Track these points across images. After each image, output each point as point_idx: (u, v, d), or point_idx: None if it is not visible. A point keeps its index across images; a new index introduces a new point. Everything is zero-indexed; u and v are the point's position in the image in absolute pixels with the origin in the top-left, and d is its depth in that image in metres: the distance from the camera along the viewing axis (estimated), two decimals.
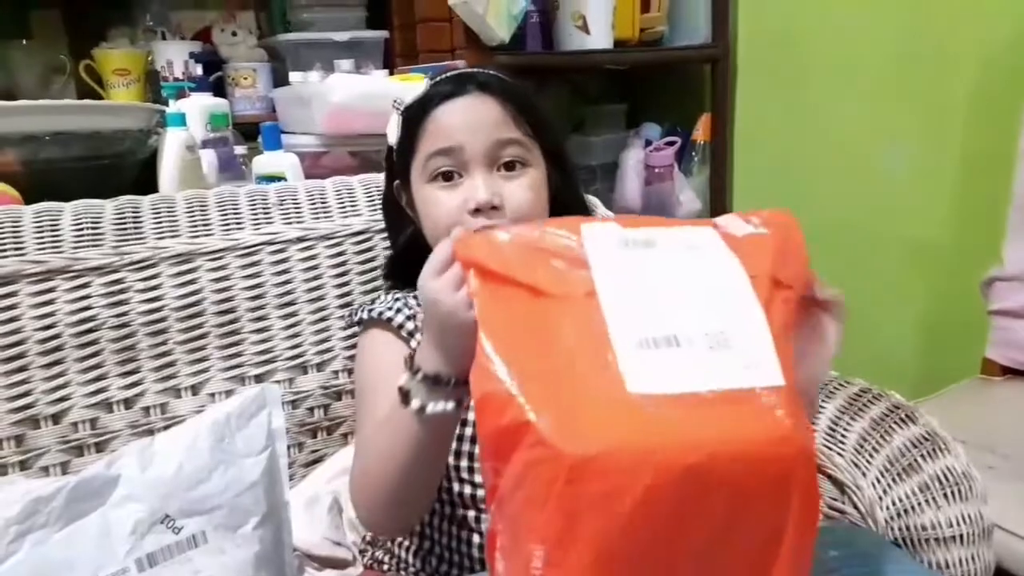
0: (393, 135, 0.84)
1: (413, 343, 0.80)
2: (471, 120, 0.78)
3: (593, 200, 1.12)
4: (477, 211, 0.76)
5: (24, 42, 1.79)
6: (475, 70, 0.83)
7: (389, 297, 0.86)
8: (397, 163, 0.85)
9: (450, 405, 0.62)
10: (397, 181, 0.87)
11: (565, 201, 0.84)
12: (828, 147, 1.77)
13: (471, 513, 0.79)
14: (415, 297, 0.85)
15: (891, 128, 1.66)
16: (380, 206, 1.06)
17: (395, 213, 0.89)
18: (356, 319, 0.86)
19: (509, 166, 0.78)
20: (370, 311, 0.84)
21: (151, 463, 0.71)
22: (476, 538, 0.79)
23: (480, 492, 0.78)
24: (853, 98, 1.71)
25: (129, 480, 0.70)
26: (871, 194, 1.71)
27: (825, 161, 1.78)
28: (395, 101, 0.84)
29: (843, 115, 1.73)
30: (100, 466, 0.71)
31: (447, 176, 0.78)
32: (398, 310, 0.83)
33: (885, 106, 1.66)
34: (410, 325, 0.81)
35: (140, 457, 0.71)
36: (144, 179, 1.25)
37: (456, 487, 0.79)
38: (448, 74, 0.83)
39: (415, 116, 0.80)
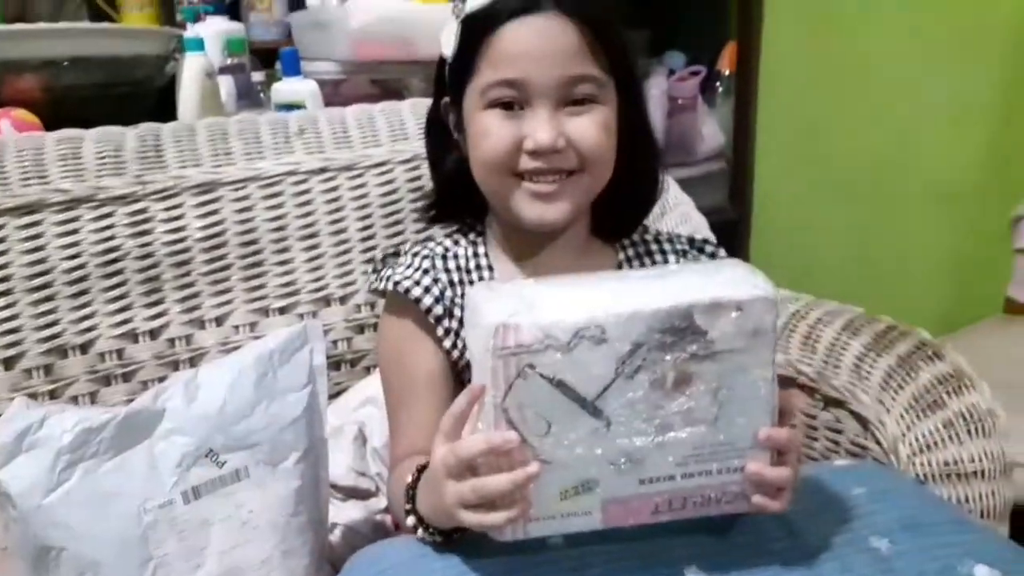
0: (448, 46, 0.73)
1: (439, 331, 0.73)
2: (542, 49, 0.68)
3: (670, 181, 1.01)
4: (535, 152, 0.69)
5: None
6: None
7: (417, 258, 0.76)
8: (450, 79, 0.75)
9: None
10: (446, 99, 0.77)
11: (636, 143, 0.75)
12: (857, 81, 1.72)
13: None
14: (455, 240, 0.79)
15: (925, 58, 1.61)
16: (402, 136, 1.04)
17: (440, 136, 0.79)
18: (379, 285, 0.75)
19: (578, 102, 0.70)
20: (395, 282, 0.74)
21: (196, 397, 0.72)
22: None
23: None
24: (886, 27, 1.66)
25: (175, 413, 0.71)
26: (900, 129, 1.67)
27: (854, 95, 1.74)
28: (454, 5, 0.73)
29: (875, 46, 1.69)
30: (147, 399, 0.72)
31: (507, 105, 0.70)
32: (426, 288, 0.73)
33: (919, 35, 1.61)
34: (439, 309, 0.73)
35: (185, 391, 0.72)
36: (162, 106, 1.23)
37: None
38: None
39: (477, 30, 0.70)
